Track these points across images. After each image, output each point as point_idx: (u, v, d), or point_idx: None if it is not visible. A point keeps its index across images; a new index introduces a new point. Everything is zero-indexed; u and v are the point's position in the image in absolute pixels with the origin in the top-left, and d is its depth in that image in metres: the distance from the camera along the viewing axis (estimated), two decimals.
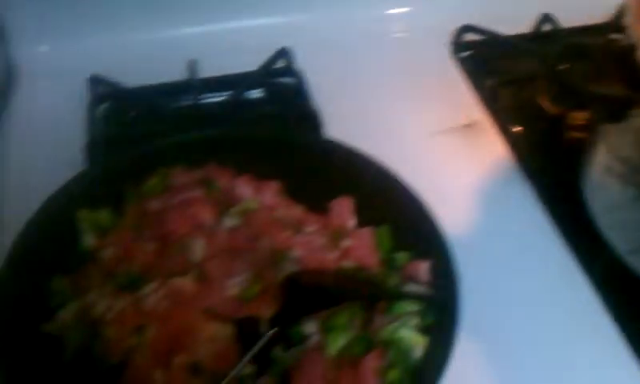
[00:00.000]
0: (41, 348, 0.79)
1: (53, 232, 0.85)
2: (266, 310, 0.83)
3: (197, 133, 0.97)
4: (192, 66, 1.23)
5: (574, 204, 1.01)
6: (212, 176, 0.93)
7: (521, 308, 0.91)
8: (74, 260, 0.86)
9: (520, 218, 1.05)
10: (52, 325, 0.80)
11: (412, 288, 0.81)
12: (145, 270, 0.82)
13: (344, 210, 0.91)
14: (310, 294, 0.76)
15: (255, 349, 0.72)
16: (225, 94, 1.21)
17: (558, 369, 0.85)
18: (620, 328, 0.88)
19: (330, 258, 0.85)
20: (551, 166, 1.14)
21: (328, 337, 0.78)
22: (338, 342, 0.78)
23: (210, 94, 1.21)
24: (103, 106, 1.22)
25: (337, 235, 0.88)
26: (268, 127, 1.02)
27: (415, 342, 0.76)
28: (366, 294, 0.79)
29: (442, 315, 0.78)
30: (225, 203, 0.92)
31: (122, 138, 1.12)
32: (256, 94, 1.24)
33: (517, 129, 1.21)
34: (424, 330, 0.79)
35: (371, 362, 0.76)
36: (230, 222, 0.89)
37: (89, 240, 0.87)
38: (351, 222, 0.92)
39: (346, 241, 0.87)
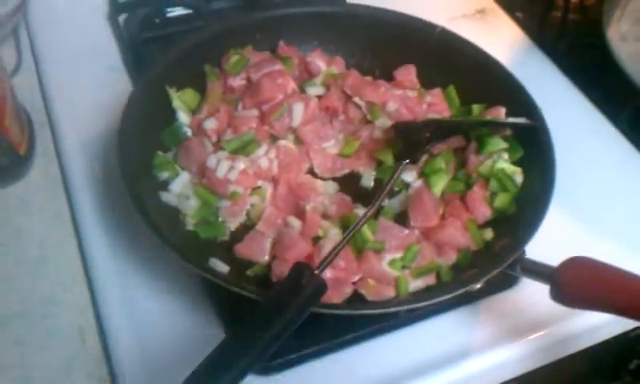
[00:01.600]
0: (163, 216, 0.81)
1: (149, 111, 0.87)
2: (365, 165, 0.89)
3: (263, 13, 1.00)
4: None
5: (590, 69, 1.13)
6: (284, 53, 0.97)
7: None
8: (169, 138, 0.88)
9: (544, 83, 1.12)
10: (167, 195, 0.83)
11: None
12: (252, 137, 0.86)
13: (410, 76, 0.98)
14: (423, 132, 0.83)
15: (393, 179, 0.78)
16: None
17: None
18: None
19: (420, 110, 0.92)
20: (559, 39, 1.24)
21: (430, 180, 0.86)
22: (439, 183, 0.86)
23: None
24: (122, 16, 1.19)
25: (421, 91, 0.94)
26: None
27: (514, 171, 0.85)
28: (472, 127, 0.86)
29: (532, 146, 0.87)
30: (302, 76, 0.96)
31: (158, 38, 1.12)
32: None
33: (520, 13, 1.29)
34: (515, 163, 0.87)
35: (478, 193, 0.84)
36: (314, 90, 0.94)
37: (183, 117, 0.89)
38: (417, 86, 0.98)
39: (427, 96, 0.94)
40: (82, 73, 1.07)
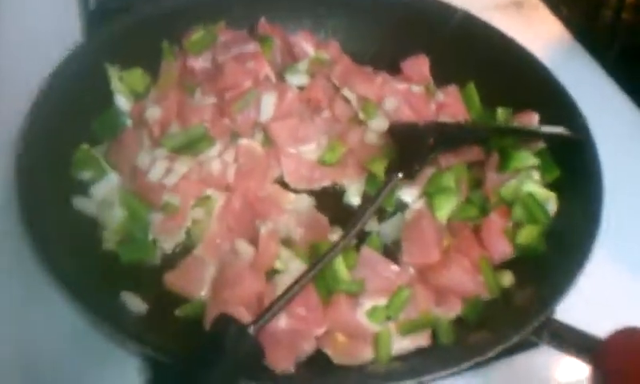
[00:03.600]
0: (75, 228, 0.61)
1: (77, 93, 0.68)
2: (352, 177, 0.69)
3: None
4: None
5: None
6: (264, 32, 0.77)
7: None
8: (103, 128, 0.69)
9: (588, 90, 0.90)
10: (84, 202, 0.63)
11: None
12: (203, 132, 0.66)
13: (421, 69, 0.77)
14: (425, 137, 0.62)
15: (380, 198, 0.58)
16: None
17: None
18: None
19: (428, 111, 0.71)
20: (610, 40, 1.05)
21: (434, 201, 0.65)
22: (446, 206, 0.65)
23: None
24: None
25: (431, 88, 0.74)
26: None
27: (546, 196, 0.64)
28: (491, 134, 0.65)
29: (572, 165, 0.65)
30: (284, 62, 0.77)
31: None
32: None
33: (565, 8, 1.09)
34: (548, 186, 0.66)
35: (496, 222, 0.63)
36: (296, 79, 0.74)
37: (123, 103, 0.70)
38: (429, 81, 0.77)
39: (439, 95, 0.73)
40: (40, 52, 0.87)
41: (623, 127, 0.84)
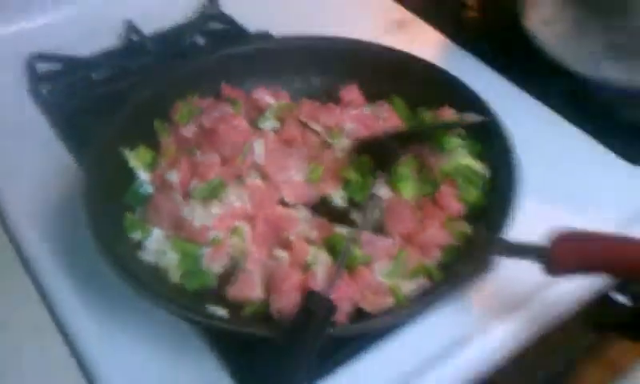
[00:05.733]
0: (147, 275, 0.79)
1: (107, 176, 0.85)
2: (333, 186, 0.90)
3: (206, 58, 1.00)
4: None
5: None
6: (229, 95, 0.98)
7: None
8: (133, 198, 0.87)
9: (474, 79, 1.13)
10: (146, 253, 0.81)
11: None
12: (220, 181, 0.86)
13: (355, 94, 1.00)
14: (391, 144, 0.86)
15: (374, 192, 0.80)
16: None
17: None
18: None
19: (378, 126, 0.94)
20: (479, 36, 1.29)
21: (399, 186, 0.88)
22: (408, 188, 0.88)
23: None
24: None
25: (375, 108, 0.97)
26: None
27: (477, 165, 0.88)
28: (429, 132, 0.89)
29: (487, 138, 0.90)
30: (248, 115, 0.97)
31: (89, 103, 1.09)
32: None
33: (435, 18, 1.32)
34: (476, 156, 0.91)
35: (447, 191, 0.86)
36: (269, 125, 0.94)
37: (143, 175, 0.88)
38: (363, 103, 1.00)
39: (381, 111, 0.96)
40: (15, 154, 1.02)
41: (505, 101, 1.05)
